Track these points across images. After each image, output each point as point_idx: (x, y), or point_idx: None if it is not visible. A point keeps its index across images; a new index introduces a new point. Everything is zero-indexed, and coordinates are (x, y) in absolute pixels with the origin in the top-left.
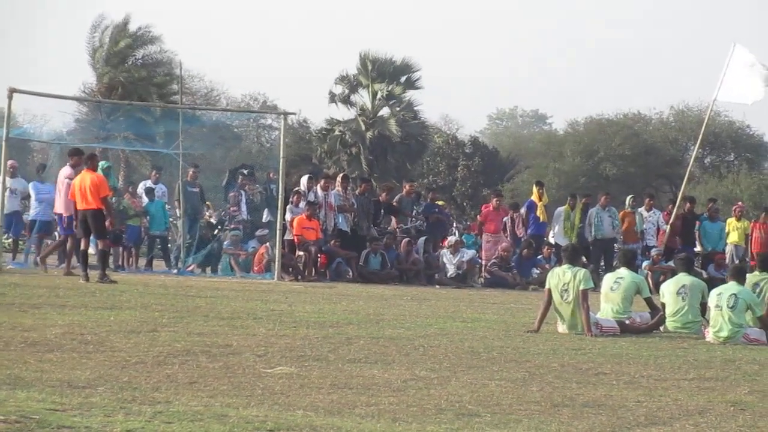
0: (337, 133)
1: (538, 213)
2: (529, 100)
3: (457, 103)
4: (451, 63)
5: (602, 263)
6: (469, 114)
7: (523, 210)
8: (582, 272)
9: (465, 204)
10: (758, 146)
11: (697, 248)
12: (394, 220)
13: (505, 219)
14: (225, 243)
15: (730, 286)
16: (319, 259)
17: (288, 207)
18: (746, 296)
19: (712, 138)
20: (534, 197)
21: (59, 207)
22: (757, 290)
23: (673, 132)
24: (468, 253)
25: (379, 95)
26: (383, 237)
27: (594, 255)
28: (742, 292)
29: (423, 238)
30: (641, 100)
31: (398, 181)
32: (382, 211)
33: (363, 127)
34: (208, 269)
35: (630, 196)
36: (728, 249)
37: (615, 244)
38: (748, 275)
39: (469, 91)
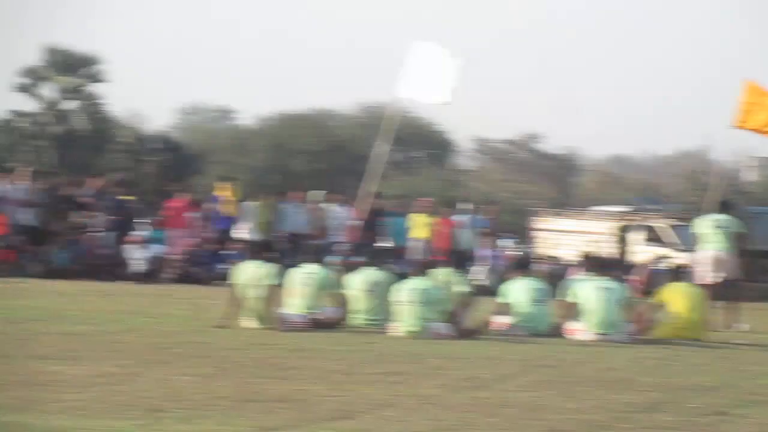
0: (20, 125)
1: (227, 208)
2: (217, 95)
3: (146, 97)
4: (139, 56)
5: (292, 258)
6: (159, 109)
7: (211, 205)
8: (271, 267)
9: (153, 199)
10: (443, 143)
11: (386, 243)
12: (80, 214)
13: (192, 214)
14: None
15: (417, 281)
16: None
17: None
18: (433, 291)
19: (399, 134)
20: (222, 192)
21: None
22: (449, 286)
23: (362, 128)
24: (156, 249)
25: (64, 88)
26: (70, 232)
27: (284, 250)
28: (429, 286)
29: (110, 233)
30: (331, 96)
31: (85, 176)
32: (69, 205)
33: (48, 120)
34: None
35: (319, 191)
36: (414, 244)
37: (305, 240)
38: (437, 270)
39: (157, 85)
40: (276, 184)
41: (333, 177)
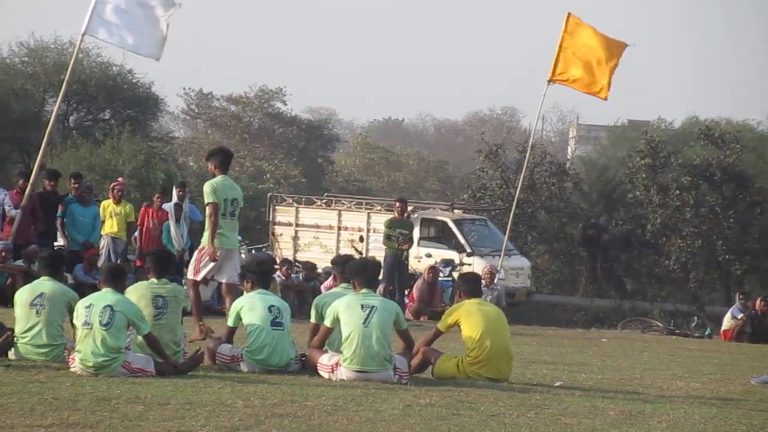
0: None
1: None
2: None
3: None
4: None
5: None
6: None
7: None
8: None
9: None
10: (144, 99)
11: (61, 242)
12: None
13: None
14: None
15: (104, 295)
16: None
17: None
18: (126, 309)
19: (79, 87)
20: None
21: None
22: (161, 302)
23: (24, 79)
24: None
25: None
26: None
27: None
28: (121, 302)
29: None
30: None
31: None
32: None
33: None
34: None
35: None
36: (104, 242)
37: None
38: (144, 283)
39: None
40: None
41: None
